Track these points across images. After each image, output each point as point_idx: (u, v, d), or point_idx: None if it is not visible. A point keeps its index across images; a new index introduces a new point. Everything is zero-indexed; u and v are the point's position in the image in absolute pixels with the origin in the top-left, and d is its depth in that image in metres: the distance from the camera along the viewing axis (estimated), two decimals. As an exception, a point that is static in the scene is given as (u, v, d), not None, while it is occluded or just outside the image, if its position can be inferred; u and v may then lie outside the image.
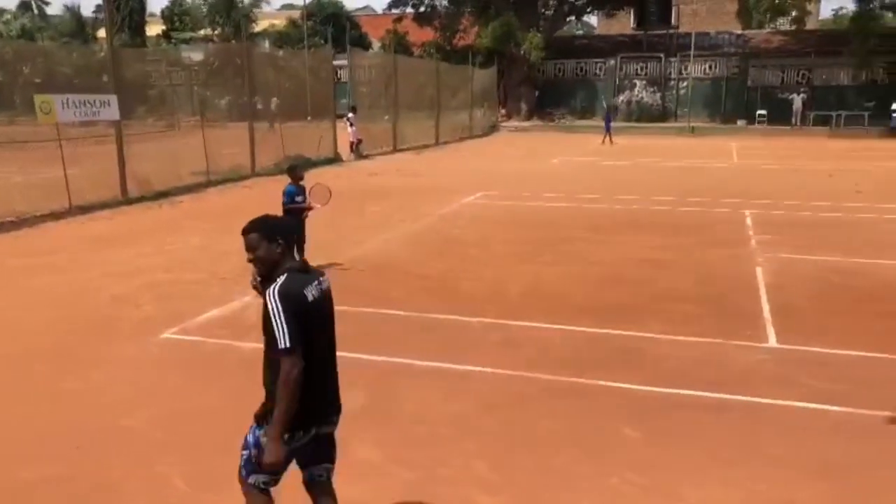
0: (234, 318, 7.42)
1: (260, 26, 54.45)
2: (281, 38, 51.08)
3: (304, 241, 8.23)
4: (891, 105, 32.94)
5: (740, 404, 5.36)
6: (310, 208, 8.58)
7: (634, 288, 8.53)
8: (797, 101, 37.76)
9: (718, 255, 10.16)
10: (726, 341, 6.64)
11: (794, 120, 37.39)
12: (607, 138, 29.91)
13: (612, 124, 31.15)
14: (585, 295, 8.24)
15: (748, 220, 12.68)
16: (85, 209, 13.54)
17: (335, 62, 27.56)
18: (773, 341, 6.68)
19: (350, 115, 24.10)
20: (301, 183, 8.65)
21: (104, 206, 13.98)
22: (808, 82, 39.42)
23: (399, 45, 41.47)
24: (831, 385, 5.67)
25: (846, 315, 7.48)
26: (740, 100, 40.57)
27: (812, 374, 5.91)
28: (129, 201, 14.57)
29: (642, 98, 42.97)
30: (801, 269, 9.31)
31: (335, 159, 22.43)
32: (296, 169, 8.82)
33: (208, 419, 5.15)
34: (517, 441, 4.83)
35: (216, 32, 53.98)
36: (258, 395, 5.48)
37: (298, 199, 8.53)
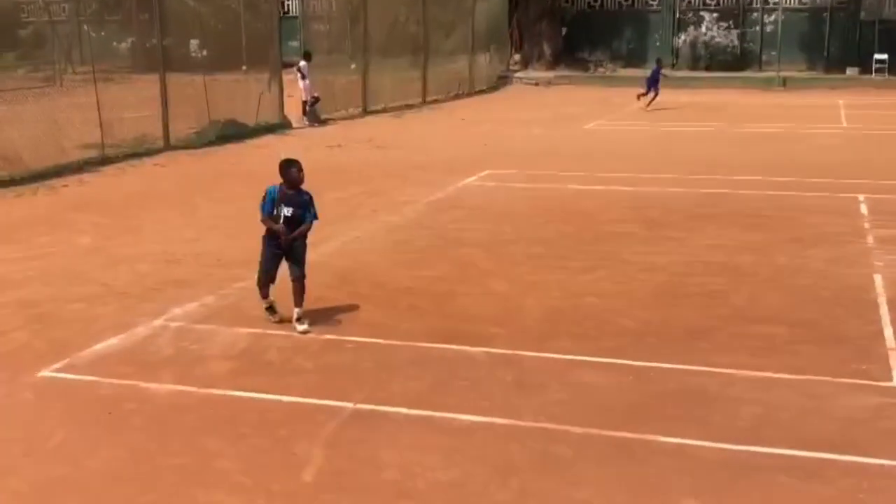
0: (139, 349, 7.42)
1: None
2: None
3: (302, 258, 7.89)
4: None
5: (853, 467, 5.37)
6: (287, 235, 7.75)
7: (702, 304, 8.56)
8: (934, 40, 37.87)
9: (819, 257, 10.21)
10: (832, 379, 6.66)
11: (926, 68, 37.53)
12: (645, 98, 28.49)
13: (666, 74, 31.15)
14: (633, 315, 8.27)
15: (862, 209, 12.74)
16: (-72, 197, 13.52)
17: (280, -10, 27.56)
18: (897, 379, 6.72)
19: (302, 63, 24.09)
20: (301, 187, 7.88)
21: (-45, 192, 13.96)
22: (949, 12, 39.58)
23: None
24: (979, 440, 5.71)
25: None
26: (850, 40, 40.64)
27: (952, 424, 5.94)
28: (-10, 186, 14.56)
29: (713, 37, 43.04)
30: (935, 276, 9.36)
31: (281, 125, 22.41)
32: (293, 166, 7.85)
33: (101, 490, 5.15)
34: (540, 521, 4.84)
35: (113, -52, 53.95)
36: (168, 456, 5.50)
37: (286, 211, 7.74)
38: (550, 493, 5.12)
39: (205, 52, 22.28)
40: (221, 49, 22.67)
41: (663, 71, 30.26)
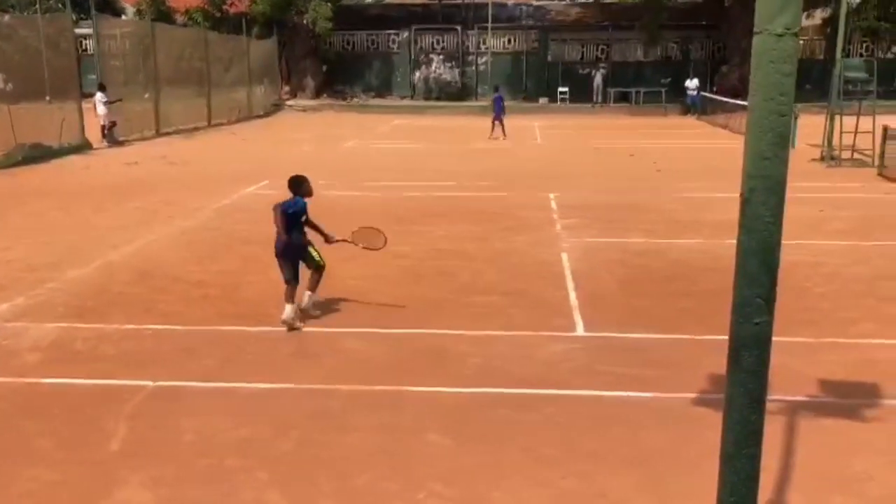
0: (-45, 348, 6.68)
1: (-24, -16, 49.25)
2: (7, 1, 46.65)
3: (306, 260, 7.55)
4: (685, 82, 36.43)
5: (552, 398, 5.71)
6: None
7: (438, 282, 8.80)
8: (597, 77, 40.70)
9: (523, 241, 10.73)
10: (535, 333, 7.04)
11: (594, 97, 40.30)
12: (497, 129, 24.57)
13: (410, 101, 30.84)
14: (386, 293, 8.35)
15: (553, 204, 13.49)
16: None
17: (78, 30, 25.69)
18: (580, 330, 7.18)
19: (99, 93, 22.55)
20: (307, 199, 7.47)
21: None
22: (608, 57, 42.68)
23: (158, 11, 39.44)
24: (640, 371, 6.22)
25: (650, 298, 8.22)
26: (541, 76, 43.02)
27: (621, 360, 6.43)
28: None
29: (441, 74, 44.22)
30: (605, 252, 10.09)
31: (83, 146, 20.93)
32: (304, 182, 7.44)
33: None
34: (316, 464, 4.80)
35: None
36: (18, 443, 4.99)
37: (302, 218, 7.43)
38: (324, 441, 5.10)
39: (10, 86, 20.45)
40: (26, 82, 20.87)
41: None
